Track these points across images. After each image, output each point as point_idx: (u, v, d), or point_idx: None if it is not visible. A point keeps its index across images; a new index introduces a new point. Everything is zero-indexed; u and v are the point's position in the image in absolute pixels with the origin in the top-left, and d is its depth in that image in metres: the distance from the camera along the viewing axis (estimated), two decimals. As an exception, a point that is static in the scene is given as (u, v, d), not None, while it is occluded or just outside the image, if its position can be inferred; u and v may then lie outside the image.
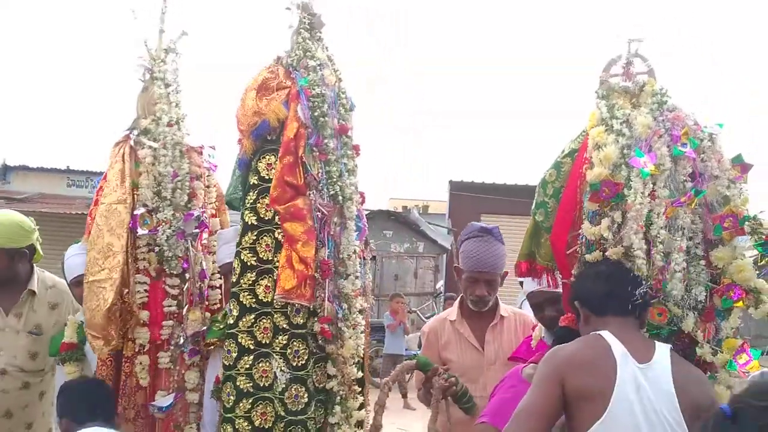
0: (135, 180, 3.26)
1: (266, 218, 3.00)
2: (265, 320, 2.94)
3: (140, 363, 3.19)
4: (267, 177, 3.01)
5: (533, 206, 2.78)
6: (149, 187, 3.25)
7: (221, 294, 3.48)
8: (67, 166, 17.20)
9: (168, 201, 3.25)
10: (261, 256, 2.98)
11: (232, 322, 3.00)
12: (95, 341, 3.11)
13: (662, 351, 2.28)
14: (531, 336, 3.06)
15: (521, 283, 3.11)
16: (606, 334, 2.28)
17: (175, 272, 3.25)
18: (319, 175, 3.00)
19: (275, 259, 2.96)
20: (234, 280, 3.04)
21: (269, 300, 2.94)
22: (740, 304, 2.46)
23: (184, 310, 3.28)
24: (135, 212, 3.21)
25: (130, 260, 3.21)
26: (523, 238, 2.91)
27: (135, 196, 3.25)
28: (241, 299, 2.98)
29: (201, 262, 3.33)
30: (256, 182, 3.04)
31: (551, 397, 2.22)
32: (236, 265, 3.03)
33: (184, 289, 3.28)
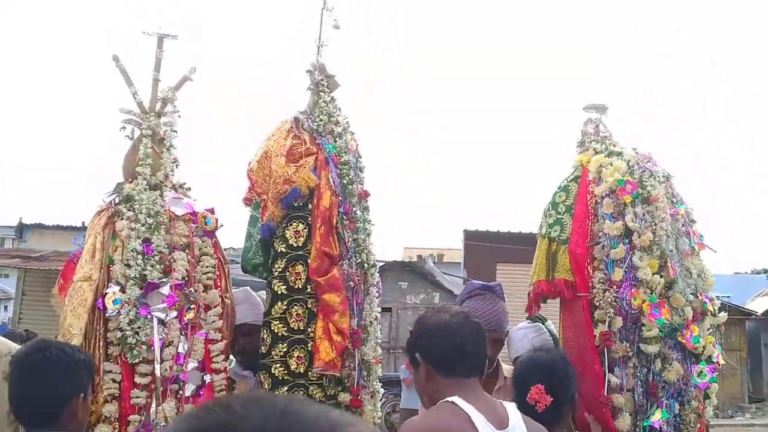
0: (111, 255, 2.90)
1: (296, 287, 2.96)
2: (298, 392, 2.88)
3: None
4: (295, 245, 2.98)
5: (546, 227, 3.14)
6: (122, 262, 2.87)
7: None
8: (83, 223, 17.31)
9: (134, 279, 2.82)
10: (292, 326, 2.94)
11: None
12: None
13: (513, 412, 2.14)
14: None
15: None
16: (460, 402, 2.06)
17: (143, 359, 2.75)
18: (349, 243, 3.02)
19: (308, 329, 2.92)
20: (264, 351, 2.99)
21: (301, 371, 2.90)
22: (710, 307, 3.07)
23: (153, 403, 2.76)
24: (105, 290, 2.81)
25: (99, 345, 2.78)
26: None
27: (110, 272, 2.88)
28: (273, 371, 2.93)
29: (179, 344, 2.82)
30: (284, 250, 3.00)
31: None
32: (266, 336, 2.99)
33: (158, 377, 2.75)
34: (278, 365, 2.92)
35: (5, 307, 30.44)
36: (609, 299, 2.89)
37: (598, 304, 2.92)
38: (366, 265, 3.08)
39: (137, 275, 2.82)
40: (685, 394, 2.91)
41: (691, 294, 3.03)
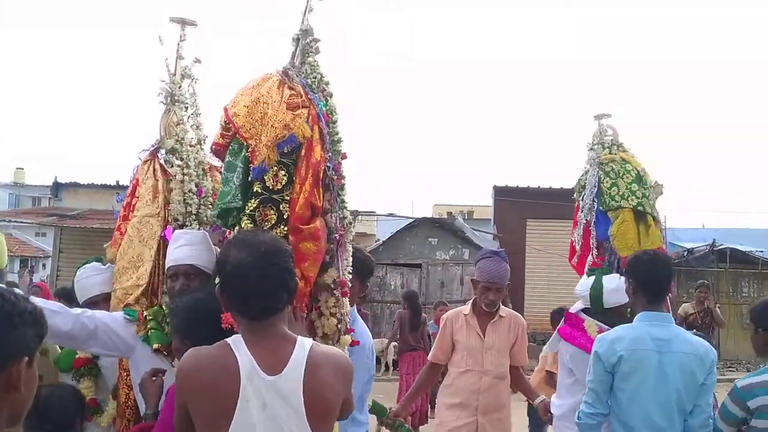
0: (167, 196, 3.42)
1: (263, 228, 2.92)
2: None
3: None
4: (272, 188, 2.96)
5: (635, 202, 4.38)
6: (180, 202, 3.40)
7: None
8: (117, 182, 17.56)
9: (194, 215, 3.42)
10: None
11: None
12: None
13: (299, 355, 2.12)
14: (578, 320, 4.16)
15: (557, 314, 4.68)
16: (236, 343, 2.11)
17: None
18: (335, 198, 3.13)
19: None
20: None
21: None
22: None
23: None
24: (168, 226, 3.34)
25: (161, 272, 3.27)
26: (572, 240, 4.83)
27: (167, 211, 3.40)
28: None
29: None
30: (259, 191, 2.97)
31: (182, 419, 2.13)
32: None
33: None
34: None
35: (43, 265, 31.24)
36: None
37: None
38: (347, 221, 3.22)
39: (195, 212, 3.42)
40: None
41: None
